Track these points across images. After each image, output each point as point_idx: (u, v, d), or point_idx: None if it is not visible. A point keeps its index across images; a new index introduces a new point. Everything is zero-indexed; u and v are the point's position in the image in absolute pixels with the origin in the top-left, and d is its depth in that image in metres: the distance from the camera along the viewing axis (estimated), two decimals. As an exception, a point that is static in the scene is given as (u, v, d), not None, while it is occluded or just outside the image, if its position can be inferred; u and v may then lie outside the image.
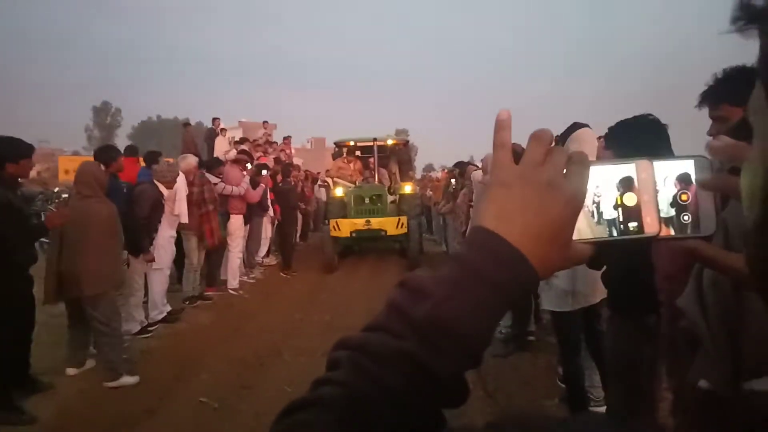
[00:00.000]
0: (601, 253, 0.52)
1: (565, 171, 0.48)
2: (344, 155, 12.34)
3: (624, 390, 2.46)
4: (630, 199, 0.51)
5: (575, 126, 3.48)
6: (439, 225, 12.19)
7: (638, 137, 2.23)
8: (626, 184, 0.51)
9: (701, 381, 0.84)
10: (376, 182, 11.14)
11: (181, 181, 6.25)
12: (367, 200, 10.26)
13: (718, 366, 0.81)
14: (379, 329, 0.45)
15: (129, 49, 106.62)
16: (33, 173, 5.99)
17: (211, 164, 7.84)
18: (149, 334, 5.56)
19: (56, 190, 13.12)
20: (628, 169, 0.52)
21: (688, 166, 0.51)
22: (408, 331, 0.44)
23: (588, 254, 0.50)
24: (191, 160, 6.89)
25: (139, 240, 5.30)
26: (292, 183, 10.60)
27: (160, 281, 5.92)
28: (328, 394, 0.43)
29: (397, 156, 12.49)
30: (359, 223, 9.70)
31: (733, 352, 0.77)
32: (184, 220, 6.25)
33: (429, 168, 13.72)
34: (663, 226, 0.51)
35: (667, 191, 0.51)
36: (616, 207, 0.51)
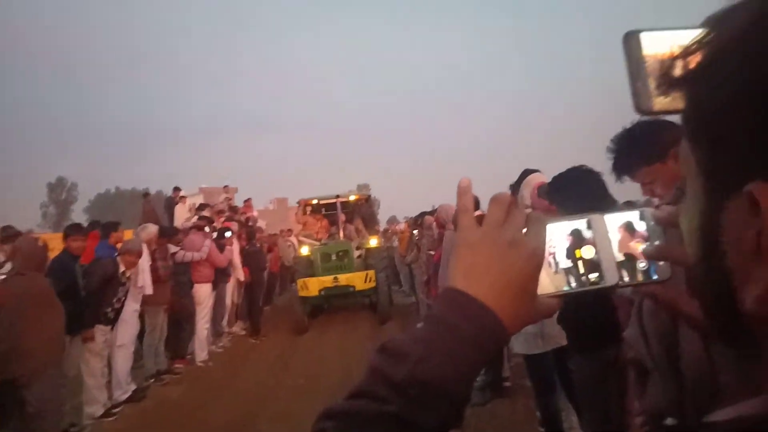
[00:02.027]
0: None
1: (524, 230, 0.52)
2: (308, 213, 12.39)
3: (596, 423, 2.48)
4: (588, 252, 0.54)
5: (526, 172, 3.65)
6: (406, 275, 12.20)
7: (574, 189, 2.31)
8: (582, 238, 0.55)
9: (668, 419, 0.88)
10: (342, 238, 11.17)
11: (143, 251, 6.14)
12: (333, 257, 10.23)
13: (665, 393, 0.85)
14: (362, 396, 0.47)
15: (80, 121, 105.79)
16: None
17: (170, 233, 7.72)
18: (114, 417, 5.29)
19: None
20: (582, 223, 0.55)
21: (634, 217, 0.55)
22: (391, 393, 0.45)
23: (556, 307, 0.54)
24: (152, 229, 6.80)
25: (80, 317, 4.96)
26: (258, 245, 10.51)
27: (124, 358, 5.70)
28: None
29: (360, 211, 12.62)
30: (327, 280, 9.64)
31: (675, 378, 0.82)
32: (149, 291, 6.10)
33: (393, 220, 13.86)
34: (621, 274, 0.54)
35: (618, 241, 0.54)
36: (575, 260, 0.54)
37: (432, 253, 6.91)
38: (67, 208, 66.24)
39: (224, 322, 9.02)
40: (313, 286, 9.57)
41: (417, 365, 0.46)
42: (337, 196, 11.57)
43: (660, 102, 0.46)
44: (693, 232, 0.40)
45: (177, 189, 13.46)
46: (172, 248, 7.18)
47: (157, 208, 13.91)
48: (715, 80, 0.36)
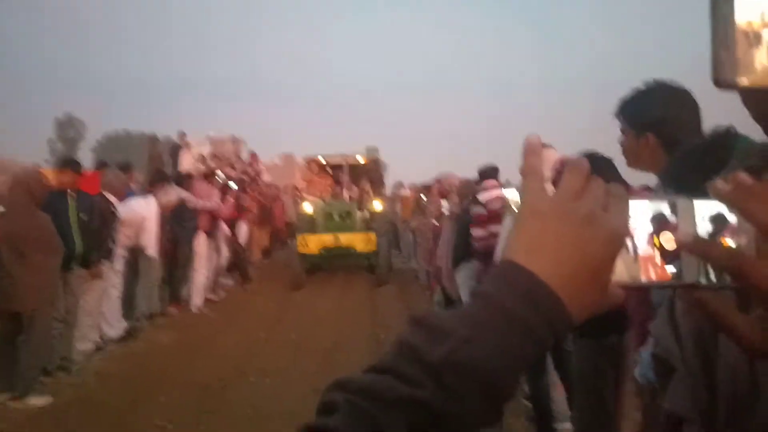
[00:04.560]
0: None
1: (604, 205, 0.44)
2: (314, 172, 12.31)
3: (589, 409, 2.46)
4: (668, 241, 0.46)
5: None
6: (407, 241, 12.20)
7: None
8: (665, 223, 0.47)
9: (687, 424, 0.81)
10: (346, 199, 11.10)
11: (154, 214, 6.09)
12: (336, 217, 10.21)
13: (693, 394, 0.77)
14: (387, 371, 0.39)
15: (95, 61, 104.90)
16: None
17: (180, 179, 7.69)
18: (104, 354, 5.32)
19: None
20: (665, 206, 0.47)
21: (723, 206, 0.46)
22: (422, 375, 0.38)
23: (621, 298, 0.45)
24: (172, 197, 6.67)
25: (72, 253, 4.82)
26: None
27: (114, 298, 5.70)
28: None
29: (367, 174, 12.50)
30: (328, 239, 9.62)
31: (707, 381, 0.74)
32: (152, 254, 6.12)
33: (398, 185, 13.76)
34: (702, 271, 0.45)
35: (705, 233, 0.46)
36: (653, 248, 0.47)
37: (436, 222, 6.85)
38: (74, 146, 66.33)
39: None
40: (313, 243, 9.56)
41: (458, 347, 0.38)
42: (345, 157, 11.45)
43: (749, 77, 0.39)
44: None
45: (183, 134, 13.31)
46: (182, 193, 7.12)
47: (163, 153, 13.82)
48: None
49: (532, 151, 0.46)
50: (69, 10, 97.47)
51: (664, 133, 1.69)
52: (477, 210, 4.43)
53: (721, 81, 0.41)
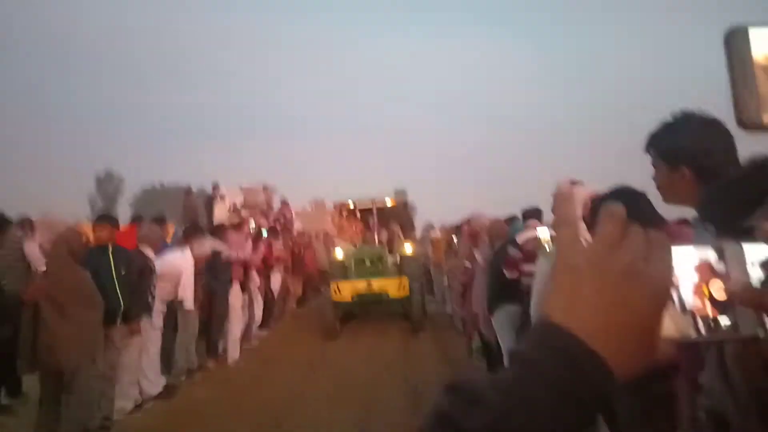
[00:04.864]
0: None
1: (645, 255, 0.41)
2: (344, 217, 12.40)
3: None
4: (719, 291, 0.43)
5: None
6: (440, 284, 12.04)
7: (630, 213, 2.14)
8: (712, 271, 0.44)
9: None
10: (376, 243, 11.09)
11: (189, 265, 6.20)
12: (368, 262, 10.16)
13: None
14: None
15: (133, 115, 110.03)
16: (35, 245, 5.95)
17: (214, 230, 7.84)
18: (143, 413, 5.33)
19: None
20: (712, 252, 0.44)
21: None
22: None
23: (671, 353, 0.43)
24: (207, 248, 6.76)
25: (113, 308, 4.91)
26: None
27: (155, 353, 5.74)
28: None
29: (396, 217, 12.52)
30: (361, 285, 9.55)
31: None
32: (189, 307, 6.17)
33: (429, 227, 13.64)
34: (765, 321, 0.42)
35: (758, 280, 0.43)
36: (702, 298, 0.44)
37: (468, 264, 6.76)
38: (113, 201, 68.63)
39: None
40: (346, 290, 9.50)
41: (497, 418, 0.36)
42: (373, 201, 11.52)
43: None
44: None
45: (216, 185, 13.66)
46: (216, 245, 7.23)
47: (197, 204, 14.17)
48: None
49: (563, 199, 0.46)
50: (102, 70, 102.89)
51: (699, 165, 1.63)
52: (512, 251, 4.39)
53: (746, 121, 0.40)
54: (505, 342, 4.52)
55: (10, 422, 4.93)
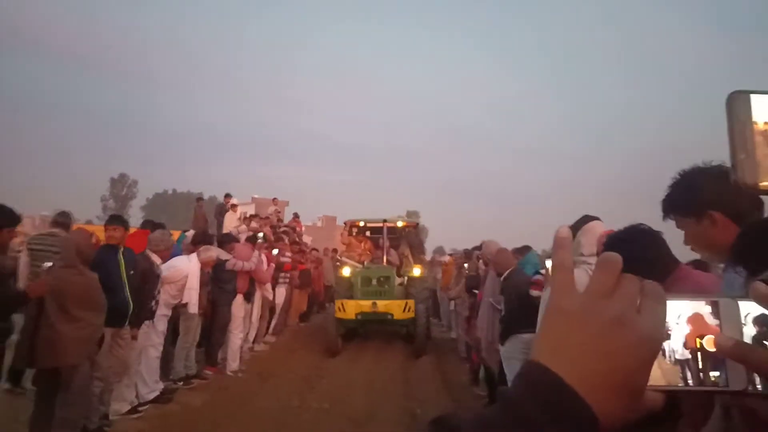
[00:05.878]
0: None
1: (637, 306, 0.42)
2: (353, 235, 12.34)
3: None
4: (710, 344, 0.44)
5: (586, 218, 3.42)
6: (446, 309, 11.92)
7: (639, 252, 1.91)
8: (705, 325, 0.45)
9: None
10: (384, 263, 11.03)
11: (195, 269, 6.19)
12: (374, 281, 10.10)
13: None
14: None
15: (150, 121, 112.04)
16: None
17: (223, 240, 7.86)
18: (138, 415, 5.27)
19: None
20: (705, 306, 0.45)
21: None
22: None
23: (660, 403, 0.42)
24: (213, 253, 6.76)
25: (118, 310, 4.84)
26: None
27: (154, 357, 5.70)
28: None
29: (407, 238, 12.46)
30: (365, 305, 9.47)
31: None
32: (193, 310, 6.18)
33: (439, 251, 13.57)
34: (752, 377, 0.42)
35: (749, 336, 0.44)
36: (693, 350, 0.44)
37: (476, 290, 6.69)
38: (125, 204, 69.34)
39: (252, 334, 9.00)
40: (350, 308, 9.43)
41: None
42: (384, 221, 11.48)
43: None
44: None
45: (228, 196, 13.74)
46: (222, 253, 7.22)
47: (208, 213, 14.24)
48: None
49: (561, 245, 0.45)
50: (131, 73, 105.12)
51: (726, 204, 1.58)
52: (537, 276, 4.51)
53: (742, 184, 0.41)
54: (511, 372, 4.44)
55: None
